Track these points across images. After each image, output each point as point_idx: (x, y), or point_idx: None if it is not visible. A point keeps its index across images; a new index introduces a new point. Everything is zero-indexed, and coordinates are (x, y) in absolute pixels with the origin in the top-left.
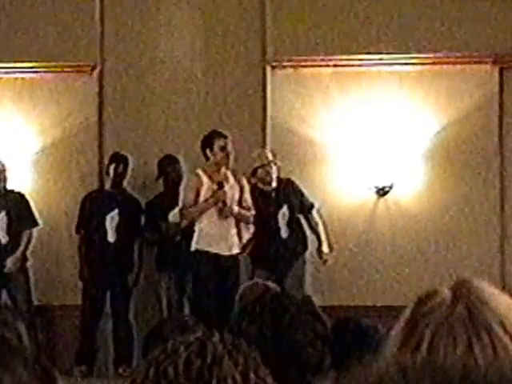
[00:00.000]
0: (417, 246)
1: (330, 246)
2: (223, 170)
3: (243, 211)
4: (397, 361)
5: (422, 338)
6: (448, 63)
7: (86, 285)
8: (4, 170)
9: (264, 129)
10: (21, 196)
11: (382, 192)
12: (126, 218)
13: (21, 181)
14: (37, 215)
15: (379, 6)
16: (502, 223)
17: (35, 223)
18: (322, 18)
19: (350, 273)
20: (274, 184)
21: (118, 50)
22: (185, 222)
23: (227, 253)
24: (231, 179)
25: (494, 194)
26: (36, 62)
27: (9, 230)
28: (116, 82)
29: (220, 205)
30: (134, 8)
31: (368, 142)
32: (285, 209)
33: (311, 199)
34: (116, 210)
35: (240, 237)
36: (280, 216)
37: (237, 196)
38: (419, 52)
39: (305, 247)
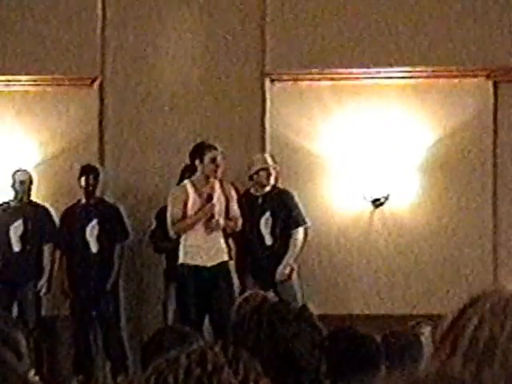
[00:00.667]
0: (412, 256)
1: (288, 268)
2: (211, 181)
3: (230, 222)
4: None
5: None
6: (443, 77)
7: (71, 298)
8: (26, 181)
9: (263, 140)
10: (43, 209)
11: (377, 203)
12: (106, 226)
13: None
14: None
15: (377, 20)
16: (495, 233)
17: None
18: (320, 32)
19: (345, 282)
20: (268, 189)
21: (118, 63)
22: (175, 236)
23: (213, 263)
24: (218, 190)
25: (488, 205)
26: (37, 74)
27: (23, 242)
28: (116, 95)
29: (207, 218)
30: (134, 21)
31: (364, 154)
32: (267, 215)
33: (306, 218)
34: (95, 220)
35: (227, 245)
36: (262, 222)
37: (223, 207)
38: (415, 65)
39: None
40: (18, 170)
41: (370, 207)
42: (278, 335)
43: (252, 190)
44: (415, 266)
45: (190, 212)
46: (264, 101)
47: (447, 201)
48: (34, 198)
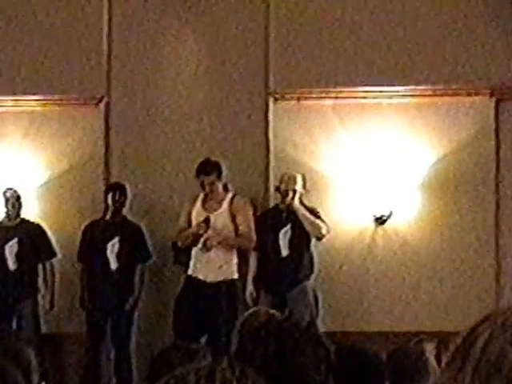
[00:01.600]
0: (415, 273)
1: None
2: (221, 196)
3: (238, 239)
4: None
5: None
6: (445, 95)
7: (88, 312)
8: (13, 197)
9: (266, 158)
10: (38, 226)
11: (380, 221)
12: (127, 244)
13: (27, 212)
14: (54, 245)
15: (379, 40)
16: (498, 250)
17: (53, 254)
18: (323, 51)
19: (348, 299)
20: (293, 201)
21: (123, 83)
22: (182, 245)
23: (214, 279)
24: (224, 205)
25: (490, 222)
26: (43, 95)
27: (19, 260)
28: (122, 115)
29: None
30: (139, 41)
31: (367, 172)
32: (287, 227)
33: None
34: (116, 238)
35: (243, 262)
36: (281, 235)
37: (227, 223)
38: (417, 84)
39: (309, 271)
40: (7, 189)
41: (373, 225)
42: (285, 352)
43: (280, 205)
44: (418, 283)
45: (193, 223)
46: (267, 119)
47: (450, 218)
48: (39, 216)
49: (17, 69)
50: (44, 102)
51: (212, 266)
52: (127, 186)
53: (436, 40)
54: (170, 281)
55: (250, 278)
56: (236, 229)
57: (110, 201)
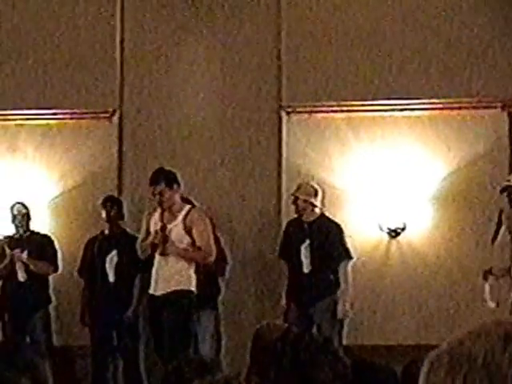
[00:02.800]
0: (429, 286)
1: (348, 305)
2: (178, 208)
3: (194, 253)
4: None
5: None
6: (458, 108)
7: (90, 327)
8: (21, 212)
9: (279, 172)
10: (47, 239)
11: (394, 233)
12: (126, 256)
13: (39, 225)
14: (59, 260)
15: (391, 53)
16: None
17: (55, 269)
18: (335, 65)
19: (363, 312)
20: (314, 217)
21: (136, 97)
22: (141, 256)
23: (163, 292)
24: (179, 218)
25: (503, 236)
26: (56, 108)
27: (29, 272)
28: (135, 128)
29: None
30: (152, 55)
31: (380, 185)
32: (307, 243)
33: (351, 252)
34: (114, 251)
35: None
36: (303, 249)
37: (180, 235)
38: (430, 97)
39: (332, 289)
40: (15, 203)
41: (387, 237)
42: (302, 365)
43: (303, 217)
44: (432, 296)
45: (151, 232)
46: (280, 133)
47: (463, 231)
48: (53, 229)
49: (30, 82)
50: (57, 115)
51: (163, 278)
52: (122, 199)
53: (449, 53)
54: None
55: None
56: (193, 242)
57: (104, 214)
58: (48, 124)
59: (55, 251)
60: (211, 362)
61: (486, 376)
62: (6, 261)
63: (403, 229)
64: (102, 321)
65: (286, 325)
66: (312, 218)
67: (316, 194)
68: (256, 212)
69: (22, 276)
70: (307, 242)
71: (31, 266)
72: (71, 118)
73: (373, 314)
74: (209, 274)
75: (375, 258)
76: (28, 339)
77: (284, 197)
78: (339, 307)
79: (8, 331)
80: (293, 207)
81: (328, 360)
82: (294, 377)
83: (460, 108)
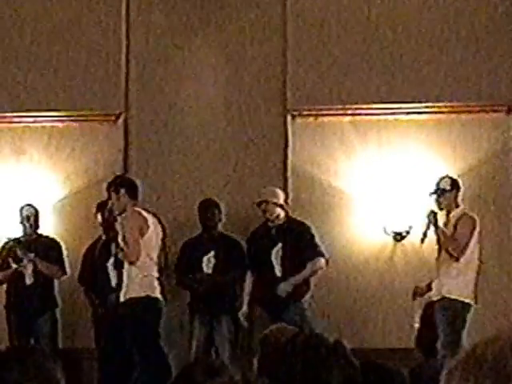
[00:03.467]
0: None
1: (290, 286)
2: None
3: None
4: None
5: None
6: (463, 112)
7: (95, 331)
8: (31, 214)
9: (285, 176)
10: (54, 242)
11: (399, 237)
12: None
13: (45, 227)
14: (66, 264)
15: (397, 56)
16: None
17: (63, 272)
18: (340, 68)
19: (367, 315)
20: (281, 221)
21: (142, 99)
22: None
23: (123, 299)
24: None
25: (509, 239)
26: (61, 110)
27: (36, 275)
28: (140, 130)
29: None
30: (158, 58)
31: (386, 188)
32: (278, 247)
33: (322, 250)
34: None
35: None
36: (273, 253)
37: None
38: (435, 101)
39: (304, 291)
40: (24, 206)
41: (392, 241)
42: (311, 368)
43: (269, 222)
44: None
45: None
46: (286, 136)
47: None
48: (58, 232)
49: (36, 85)
50: (63, 118)
51: (124, 285)
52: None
53: (454, 57)
54: (185, 293)
55: (244, 297)
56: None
57: (99, 220)
58: (54, 127)
59: (62, 255)
60: (222, 364)
61: (495, 380)
62: (23, 264)
63: (408, 232)
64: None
65: (296, 328)
66: (279, 222)
67: (280, 197)
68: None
69: (29, 279)
70: (279, 245)
71: (43, 269)
72: (77, 121)
73: (377, 317)
74: (226, 281)
75: (380, 261)
76: (32, 342)
77: (290, 200)
78: (281, 285)
79: (14, 334)
80: (300, 210)
81: (338, 363)
82: (305, 380)
83: (465, 112)
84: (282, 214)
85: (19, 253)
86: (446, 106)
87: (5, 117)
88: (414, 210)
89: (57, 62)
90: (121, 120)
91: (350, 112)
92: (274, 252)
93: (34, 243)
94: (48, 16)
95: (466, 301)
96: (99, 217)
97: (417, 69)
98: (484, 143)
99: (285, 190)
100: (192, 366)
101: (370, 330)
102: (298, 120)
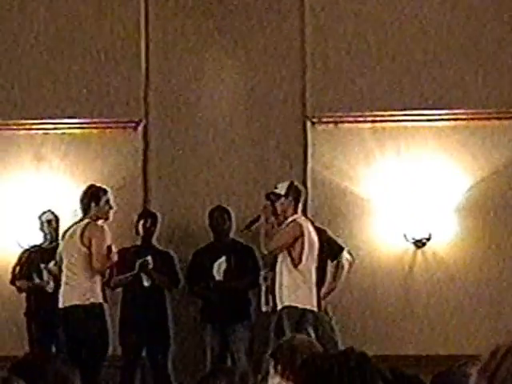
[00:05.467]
0: (454, 296)
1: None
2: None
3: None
4: None
5: None
6: (483, 119)
7: (122, 336)
8: (51, 220)
9: (304, 183)
10: None
11: (419, 244)
12: (157, 271)
13: None
14: None
15: (417, 63)
16: None
17: None
18: (360, 75)
19: (388, 322)
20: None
21: (161, 107)
22: None
23: (62, 306)
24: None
25: None
26: (81, 117)
27: (56, 280)
28: (160, 138)
29: None
30: (177, 65)
31: (406, 195)
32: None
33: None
34: (149, 257)
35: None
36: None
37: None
38: (455, 108)
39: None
40: (44, 212)
41: (412, 248)
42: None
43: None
44: (458, 306)
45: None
46: (305, 143)
47: (488, 241)
48: None
49: (56, 92)
50: (83, 125)
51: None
52: (158, 213)
53: (473, 64)
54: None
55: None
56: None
57: (140, 228)
58: (73, 133)
59: None
60: (244, 371)
61: None
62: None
63: (428, 239)
64: (135, 331)
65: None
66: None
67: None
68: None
69: (49, 287)
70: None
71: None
72: (96, 128)
73: (397, 325)
74: (238, 288)
75: (400, 268)
76: (54, 350)
77: (309, 207)
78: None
79: (35, 342)
80: (319, 217)
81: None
82: None
83: (485, 118)
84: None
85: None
86: (465, 113)
87: (25, 124)
88: (433, 216)
89: (76, 69)
90: (140, 127)
91: (369, 119)
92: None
93: (53, 251)
94: (68, 24)
95: (308, 307)
96: (140, 225)
97: (436, 76)
98: (503, 149)
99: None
100: (215, 373)
101: (390, 336)
102: (318, 127)
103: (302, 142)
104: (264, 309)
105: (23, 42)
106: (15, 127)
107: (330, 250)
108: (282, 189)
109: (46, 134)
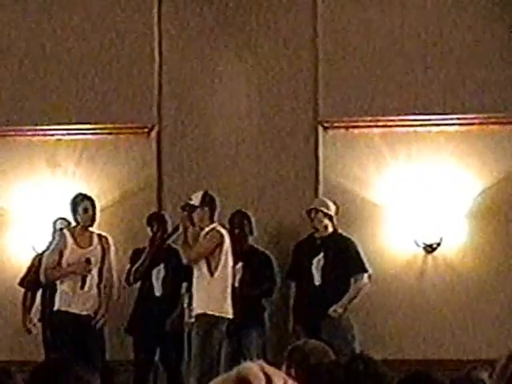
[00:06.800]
0: (465, 301)
1: (341, 309)
2: (88, 232)
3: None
4: None
5: None
6: (494, 123)
7: (133, 339)
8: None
9: (316, 188)
10: None
11: (430, 249)
12: (171, 271)
13: None
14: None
15: (427, 68)
16: None
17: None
18: (372, 80)
19: (399, 327)
20: (327, 233)
21: (174, 112)
22: (45, 281)
23: (87, 312)
24: (95, 241)
25: None
26: (95, 123)
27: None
28: (173, 143)
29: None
30: (190, 71)
31: (416, 200)
32: (320, 256)
33: (367, 267)
34: (162, 265)
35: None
36: (314, 263)
37: (99, 257)
38: (466, 112)
39: (340, 297)
40: (57, 219)
41: (423, 253)
42: None
43: (315, 233)
44: (468, 311)
45: (68, 260)
46: (317, 148)
47: (499, 246)
48: None
49: (70, 98)
50: (96, 130)
51: (83, 299)
52: (172, 218)
53: (485, 68)
54: None
55: (352, 294)
56: (102, 263)
57: (149, 231)
58: (87, 139)
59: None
60: None
61: None
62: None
63: (439, 244)
64: (146, 333)
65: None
66: (325, 234)
67: (331, 208)
68: (293, 226)
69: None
70: (321, 255)
71: None
72: (110, 134)
73: (408, 329)
74: (253, 296)
75: (411, 273)
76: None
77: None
78: (333, 307)
79: (50, 347)
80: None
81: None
82: None
83: (495, 123)
84: (330, 225)
85: None
86: (476, 118)
87: (39, 130)
88: (444, 221)
89: (90, 75)
90: (154, 133)
91: (380, 124)
92: (315, 261)
93: None
94: (82, 30)
95: (217, 314)
96: (149, 229)
97: (447, 81)
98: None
99: None
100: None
101: (401, 341)
102: (330, 132)
103: (313, 147)
104: (187, 319)
105: (37, 49)
106: (29, 133)
107: (354, 264)
108: (196, 200)
109: (60, 140)
